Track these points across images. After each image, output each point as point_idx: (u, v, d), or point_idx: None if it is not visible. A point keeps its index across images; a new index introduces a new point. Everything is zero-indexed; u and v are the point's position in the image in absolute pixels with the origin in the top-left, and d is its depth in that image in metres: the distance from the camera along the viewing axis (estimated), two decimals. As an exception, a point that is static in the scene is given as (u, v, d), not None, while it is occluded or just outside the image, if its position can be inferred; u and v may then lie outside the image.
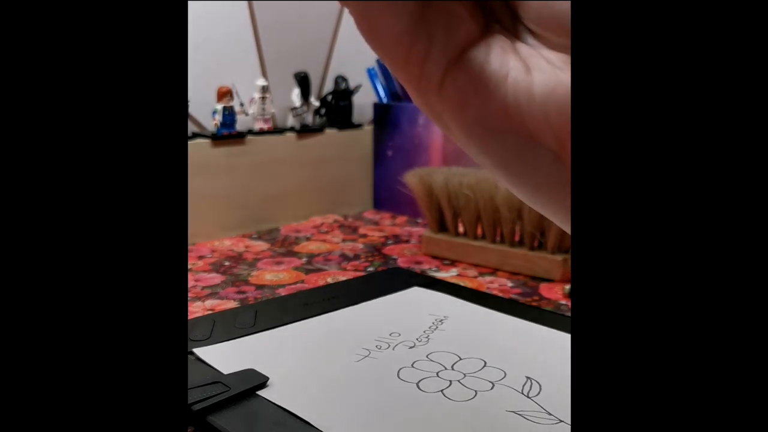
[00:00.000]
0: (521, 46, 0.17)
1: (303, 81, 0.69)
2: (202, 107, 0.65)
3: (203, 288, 0.47)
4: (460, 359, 0.33)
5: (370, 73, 0.75)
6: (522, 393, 0.29)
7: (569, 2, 0.16)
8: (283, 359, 0.33)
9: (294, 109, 0.69)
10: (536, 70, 0.16)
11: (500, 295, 0.45)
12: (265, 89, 0.65)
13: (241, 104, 0.64)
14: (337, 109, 0.73)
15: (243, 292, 0.46)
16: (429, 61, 0.17)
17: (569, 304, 0.43)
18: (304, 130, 0.69)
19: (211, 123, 0.63)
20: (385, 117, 0.73)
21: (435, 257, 0.55)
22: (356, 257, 0.55)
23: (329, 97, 0.73)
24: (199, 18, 0.65)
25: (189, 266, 0.53)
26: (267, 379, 0.30)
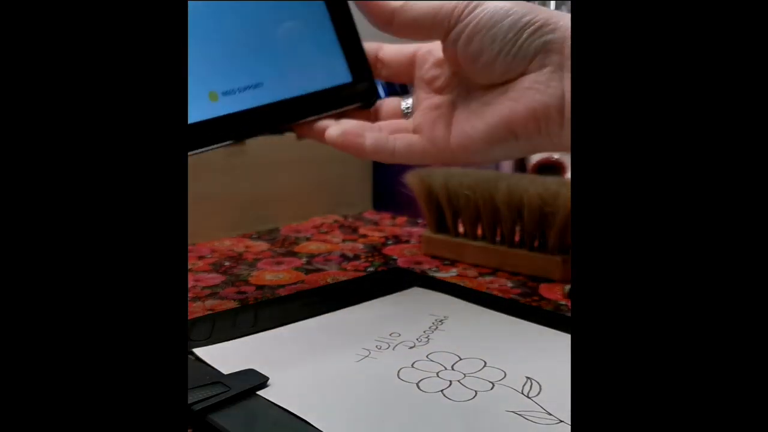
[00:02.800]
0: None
1: (303, 81, 0.69)
2: (202, 107, 0.65)
3: (203, 288, 0.47)
4: (460, 359, 0.33)
5: (370, 73, 0.75)
6: (522, 393, 0.29)
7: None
8: (283, 359, 0.33)
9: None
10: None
11: (500, 295, 0.45)
12: (265, 89, 0.65)
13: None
14: (337, 109, 0.73)
15: (243, 292, 0.46)
16: None
17: (569, 304, 0.43)
18: (304, 130, 0.69)
19: (211, 123, 0.63)
20: (385, 117, 0.73)
21: (435, 257, 0.55)
22: (356, 257, 0.55)
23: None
24: (199, 18, 0.65)
25: (189, 266, 0.53)
26: (267, 379, 0.30)
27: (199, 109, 0.38)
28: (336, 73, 0.42)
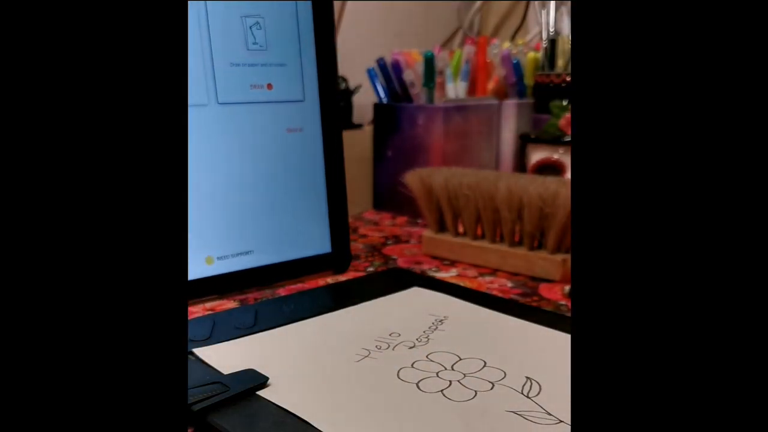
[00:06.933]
0: None
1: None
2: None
3: (203, 288, 0.47)
4: (460, 359, 0.33)
5: (370, 73, 0.75)
6: (522, 393, 0.29)
7: None
8: (282, 359, 0.33)
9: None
10: None
11: (500, 295, 0.45)
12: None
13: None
14: (337, 109, 0.73)
15: (243, 293, 0.46)
16: None
17: (569, 304, 0.43)
18: (304, 130, 0.69)
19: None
20: (385, 117, 0.73)
21: (435, 257, 0.55)
22: (356, 257, 0.55)
23: (329, 97, 0.73)
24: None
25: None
26: (267, 379, 0.30)
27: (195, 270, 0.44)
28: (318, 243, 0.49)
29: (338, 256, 0.50)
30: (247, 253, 0.46)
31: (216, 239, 0.44)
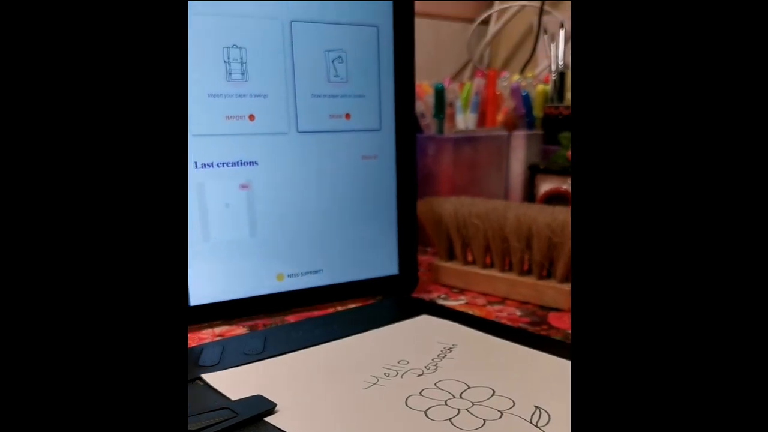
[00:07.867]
0: None
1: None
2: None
3: (213, 314, 0.47)
4: (469, 388, 0.33)
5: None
6: (530, 422, 0.29)
7: None
8: (291, 386, 0.33)
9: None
10: None
11: (509, 323, 0.44)
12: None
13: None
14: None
15: (252, 319, 0.46)
16: None
17: (578, 333, 0.43)
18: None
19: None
20: (395, 147, 0.74)
21: (444, 285, 0.55)
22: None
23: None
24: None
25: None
26: (274, 405, 0.30)
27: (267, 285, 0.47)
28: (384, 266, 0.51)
29: (404, 279, 0.52)
30: (316, 272, 0.48)
31: (288, 257, 0.47)
